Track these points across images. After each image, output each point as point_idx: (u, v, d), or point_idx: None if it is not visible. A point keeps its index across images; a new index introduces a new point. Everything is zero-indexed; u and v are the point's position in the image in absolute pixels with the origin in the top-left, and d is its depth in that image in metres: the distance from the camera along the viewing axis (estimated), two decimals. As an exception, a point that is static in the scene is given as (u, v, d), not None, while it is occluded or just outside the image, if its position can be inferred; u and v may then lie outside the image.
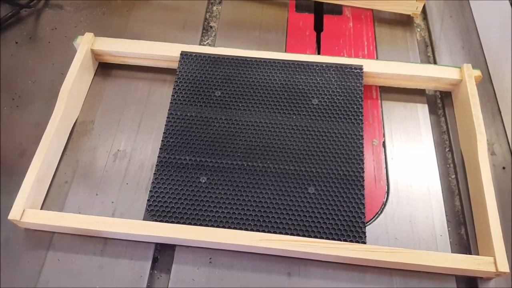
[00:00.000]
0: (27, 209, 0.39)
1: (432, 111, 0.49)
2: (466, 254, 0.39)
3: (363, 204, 0.40)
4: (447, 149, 0.47)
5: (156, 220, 0.39)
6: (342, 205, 0.40)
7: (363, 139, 0.44)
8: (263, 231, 0.39)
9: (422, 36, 0.57)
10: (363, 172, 0.42)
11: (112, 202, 0.42)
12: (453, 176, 0.45)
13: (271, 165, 0.42)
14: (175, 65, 0.49)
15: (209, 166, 0.42)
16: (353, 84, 0.47)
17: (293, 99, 0.46)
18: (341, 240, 0.38)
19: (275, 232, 0.39)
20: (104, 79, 0.50)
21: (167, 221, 0.39)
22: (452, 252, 0.40)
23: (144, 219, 0.40)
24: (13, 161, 0.44)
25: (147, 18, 0.56)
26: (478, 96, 0.45)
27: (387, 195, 0.43)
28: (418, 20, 0.58)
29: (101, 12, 0.57)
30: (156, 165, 0.42)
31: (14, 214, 0.38)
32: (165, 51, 0.49)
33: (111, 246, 0.39)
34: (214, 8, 0.58)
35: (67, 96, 0.44)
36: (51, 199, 0.42)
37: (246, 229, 0.39)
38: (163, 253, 0.40)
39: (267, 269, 0.38)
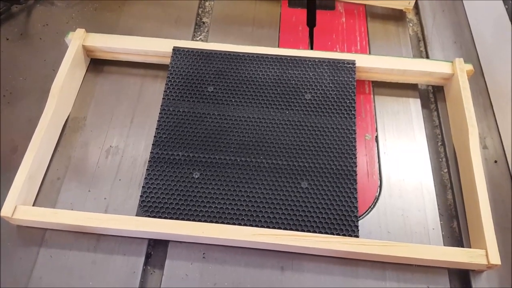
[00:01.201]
0: (19, 205, 0.39)
1: (425, 105, 0.49)
2: (458, 247, 0.39)
3: (355, 198, 0.40)
4: (439, 143, 0.47)
5: (149, 216, 0.39)
6: (335, 200, 0.40)
7: (355, 133, 0.44)
8: (257, 226, 0.39)
9: (415, 31, 0.57)
10: (356, 166, 0.42)
11: (105, 198, 0.42)
12: (446, 170, 0.45)
13: (264, 160, 0.42)
14: (167, 61, 0.49)
15: (202, 161, 0.42)
16: (345, 79, 0.47)
17: (286, 94, 0.46)
18: (334, 234, 0.38)
19: (268, 227, 0.39)
20: (96, 75, 0.50)
21: (160, 217, 0.39)
22: (444, 245, 0.40)
23: (137, 215, 0.40)
24: (4, 157, 0.44)
25: (139, 13, 0.56)
26: (470, 90, 0.45)
27: (380, 189, 0.43)
28: (411, 15, 0.58)
29: (93, 8, 0.56)
30: (149, 161, 0.42)
31: (5, 211, 0.38)
32: (157, 47, 0.48)
33: (104, 242, 0.39)
34: (207, 3, 0.58)
35: (59, 92, 0.44)
36: (43, 196, 0.42)
37: (240, 224, 0.39)
38: (156, 249, 0.40)
39: (261, 263, 0.38)
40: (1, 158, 0.44)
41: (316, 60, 0.48)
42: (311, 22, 0.56)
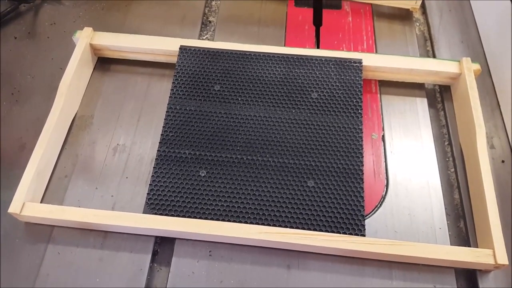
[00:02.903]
0: (27, 202, 0.39)
1: (431, 105, 0.49)
2: (465, 246, 0.39)
3: (362, 197, 0.40)
4: (446, 143, 0.47)
5: (156, 214, 0.39)
6: (342, 199, 0.40)
7: (362, 133, 0.44)
8: (263, 224, 0.39)
9: (421, 30, 0.57)
10: (363, 165, 0.42)
11: (112, 196, 0.42)
12: (452, 170, 0.45)
13: (270, 159, 0.42)
14: (174, 60, 0.49)
15: (208, 160, 0.42)
16: (352, 78, 0.47)
17: (293, 93, 0.46)
18: (340, 233, 0.38)
19: (274, 225, 0.39)
20: (103, 73, 0.50)
21: (166, 215, 0.39)
22: (451, 245, 0.40)
23: (144, 213, 0.40)
24: (13, 155, 0.44)
25: (146, 12, 0.56)
26: (477, 89, 0.45)
27: (386, 189, 0.43)
28: (417, 15, 0.58)
29: (100, 7, 0.56)
30: (156, 159, 0.42)
31: (14, 208, 0.38)
32: (164, 46, 0.49)
33: (111, 239, 0.39)
34: (213, 2, 0.58)
35: (67, 90, 0.44)
36: (51, 193, 0.42)
37: (246, 222, 0.39)
38: (163, 246, 0.40)
39: (267, 262, 0.38)
40: (9, 155, 0.44)
41: (323, 59, 0.48)
42: (317, 21, 0.56)
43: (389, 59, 0.48)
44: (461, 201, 0.43)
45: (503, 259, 0.36)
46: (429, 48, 0.55)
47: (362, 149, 0.43)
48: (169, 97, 0.46)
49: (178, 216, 0.39)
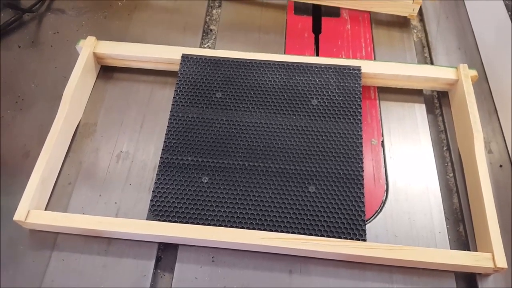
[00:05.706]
0: (32, 210, 0.39)
1: (430, 110, 0.50)
2: (465, 250, 0.39)
3: (362, 202, 0.41)
4: (444, 148, 0.48)
5: (159, 220, 0.40)
6: (342, 204, 0.41)
7: (362, 138, 0.44)
8: (265, 229, 0.39)
9: (419, 37, 0.57)
10: (363, 171, 0.42)
11: (116, 203, 0.42)
12: (451, 174, 0.46)
13: (272, 165, 0.43)
14: (176, 68, 0.50)
15: (210, 166, 0.43)
16: (351, 84, 0.48)
17: (293, 100, 0.47)
18: (341, 238, 0.39)
19: (276, 231, 0.39)
20: (106, 81, 0.51)
21: (170, 221, 0.40)
22: (451, 249, 0.40)
23: (147, 219, 0.40)
24: (17, 162, 0.44)
25: (148, 21, 0.57)
26: (475, 95, 0.46)
27: (386, 194, 0.43)
28: (415, 22, 0.59)
29: (103, 16, 0.57)
30: (159, 165, 0.43)
31: (19, 215, 0.39)
32: (166, 54, 0.49)
33: (115, 246, 0.40)
34: (214, 11, 0.59)
35: (70, 98, 0.45)
36: (55, 200, 0.42)
37: (248, 228, 0.39)
38: (166, 253, 0.40)
39: (269, 267, 0.39)
40: (13, 163, 0.44)
41: (322, 66, 0.49)
42: (316, 29, 0.57)
43: (388, 66, 0.49)
44: (460, 206, 0.43)
45: (502, 262, 0.37)
46: (426, 54, 0.55)
47: (362, 154, 0.43)
48: (172, 104, 0.47)
49: (181, 222, 0.40)
